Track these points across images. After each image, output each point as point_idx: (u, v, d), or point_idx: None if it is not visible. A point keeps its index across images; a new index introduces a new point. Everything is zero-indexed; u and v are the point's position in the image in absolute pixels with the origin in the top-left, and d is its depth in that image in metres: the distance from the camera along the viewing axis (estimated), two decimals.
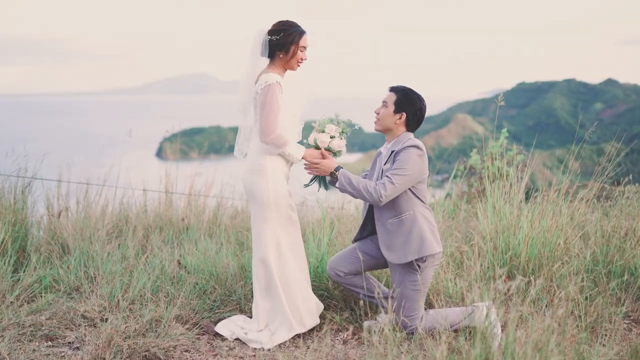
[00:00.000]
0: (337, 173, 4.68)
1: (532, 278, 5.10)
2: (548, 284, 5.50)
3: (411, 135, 4.80)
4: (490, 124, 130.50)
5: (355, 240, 5.09)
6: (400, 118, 4.74)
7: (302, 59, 4.83)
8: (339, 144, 4.84)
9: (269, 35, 4.72)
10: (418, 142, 4.64)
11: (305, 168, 4.85)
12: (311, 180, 4.99)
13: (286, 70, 4.84)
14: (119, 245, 6.50)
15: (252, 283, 5.36)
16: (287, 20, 4.79)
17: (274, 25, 4.76)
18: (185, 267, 5.82)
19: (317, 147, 4.87)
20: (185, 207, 7.47)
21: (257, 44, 4.74)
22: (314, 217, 6.88)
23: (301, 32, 4.77)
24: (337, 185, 4.69)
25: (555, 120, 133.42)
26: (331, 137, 4.83)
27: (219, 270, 5.63)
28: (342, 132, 4.86)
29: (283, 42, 4.70)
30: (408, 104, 4.74)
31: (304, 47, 4.81)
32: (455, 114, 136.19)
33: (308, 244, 5.77)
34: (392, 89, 4.82)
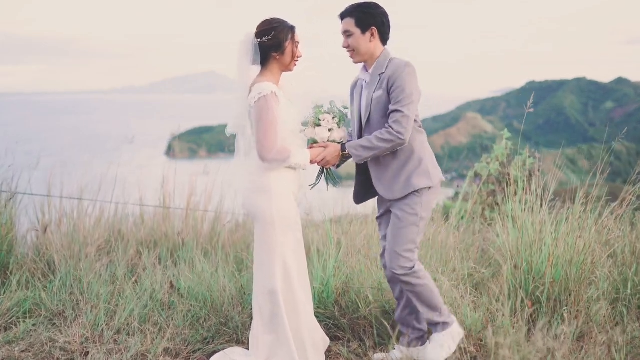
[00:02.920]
0: (346, 152, 4.28)
1: (558, 303, 4.62)
2: (576, 308, 5.01)
3: (386, 50, 4.35)
4: (500, 123, 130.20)
5: (378, 217, 4.64)
6: (372, 34, 4.27)
7: (298, 57, 4.33)
8: (340, 134, 4.35)
9: (258, 37, 4.21)
10: (404, 60, 4.23)
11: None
12: (317, 178, 4.50)
13: (282, 73, 4.34)
14: (109, 262, 6.02)
15: (251, 309, 4.86)
16: (274, 18, 4.28)
17: (260, 26, 4.25)
18: (179, 289, 5.33)
19: (316, 142, 4.37)
20: (183, 219, 6.96)
21: (245, 51, 4.22)
22: (318, 233, 6.33)
23: (292, 27, 4.29)
24: (354, 160, 4.27)
25: (565, 119, 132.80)
26: (329, 130, 4.32)
27: (214, 295, 5.13)
28: (340, 120, 4.37)
29: (277, 41, 4.20)
30: (371, 16, 4.27)
31: (298, 43, 4.33)
32: (465, 113, 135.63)
33: (312, 266, 5.26)
34: (344, 15, 4.32)
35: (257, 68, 4.28)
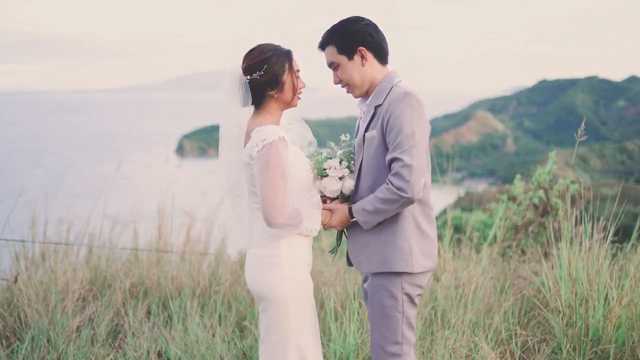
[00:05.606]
0: (354, 219, 3.32)
1: None
2: None
3: (391, 74, 3.38)
4: (510, 122, 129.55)
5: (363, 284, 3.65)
6: (363, 57, 3.32)
7: (301, 88, 3.40)
8: (351, 182, 3.40)
9: (247, 74, 3.28)
10: (406, 87, 3.26)
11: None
12: (337, 240, 3.58)
13: (283, 112, 3.43)
14: (91, 314, 5.13)
15: None
16: (263, 45, 3.34)
17: (247, 58, 3.32)
18: None
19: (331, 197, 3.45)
20: (178, 260, 6.06)
21: (233, 92, 3.30)
22: (335, 290, 5.24)
23: (288, 53, 3.36)
24: (364, 227, 3.30)
25: (576, 117, 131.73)
26: (340, 179, 3.37)
27: None
28: (349, 161, 3.41)
29: (271, 76, 3.27)
30: (353, 35, 3.32)
31: (298, 71, 3.40)
32: (476, 111, 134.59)
33: (328, 337, 4.36)
34: (322, 44, 3.41)
35: (249, 110, 3.39)
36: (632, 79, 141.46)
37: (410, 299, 3.32)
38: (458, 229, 8.71)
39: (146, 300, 5.49)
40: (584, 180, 7.63)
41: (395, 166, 3.11)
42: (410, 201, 3.12)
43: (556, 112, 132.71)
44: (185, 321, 5.05)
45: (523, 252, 7.37)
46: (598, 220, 5.23)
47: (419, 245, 3.30)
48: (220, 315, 5.20)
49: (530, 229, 7.66)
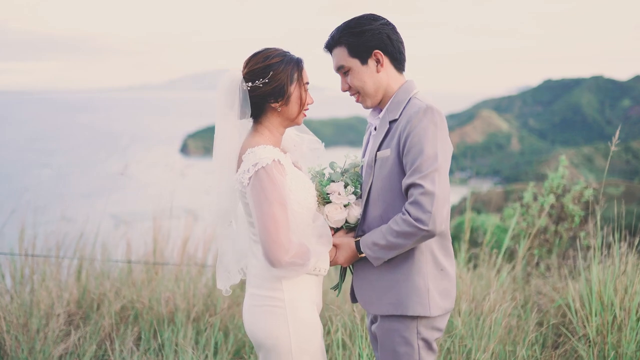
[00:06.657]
0: (362, 254, 2.86)
1: None
2: None
3: (408, 83, 2.95)
4: (515, 121, 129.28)
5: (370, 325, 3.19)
6: (379, 61, 2.88)
7: (308, 104, 2.92)
8: (358, 211, 2.94)
9: (248, 81, 2.81)
10: (426, 100, 2.83)
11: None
12: (341, 278, 3.14)
13: (285, 129, 2.97)
14: (75, 343, 4.70)
15: None
16: (270, 50, 2.86)
17: (250, 62, 2.85)
18: None
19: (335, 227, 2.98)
20: (173, 278, 5.63)
21: (229, 101, 2.81)
22: (342, 319, 4.71)
23: (299, 62, 2.88)
24: (374, 263, 2.84)
25: (581, 117, 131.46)
26: (345, 206, 2.92)
27: None
28: (355, 187, 2.94)
29: (277, 85, 2.80)
30: (368, 35, 2.86)
31: (307, 83, 2.92)
32: (480, 111, 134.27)
33: None
34: (331, 44, 2.95)
35: (248, 123, 2.93)
36: (638, 79, 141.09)
37: (428, 345, 2.88)
38: (470, 232, 8.32)
39: (136, 326, 5.04)
40: (589, 180, 7.22)
41: (414, 193, 2.67)
42: (430, 235, 2.67)
43: (561, 111, 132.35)
44: (177, 351, 4.60)
45: (538, 264, 6.96)
46: (632, 232, 4.86)
47: (436, 285, 2.85)
48: (216, 344, 4.76)
49: (544, 237, 7.26)
